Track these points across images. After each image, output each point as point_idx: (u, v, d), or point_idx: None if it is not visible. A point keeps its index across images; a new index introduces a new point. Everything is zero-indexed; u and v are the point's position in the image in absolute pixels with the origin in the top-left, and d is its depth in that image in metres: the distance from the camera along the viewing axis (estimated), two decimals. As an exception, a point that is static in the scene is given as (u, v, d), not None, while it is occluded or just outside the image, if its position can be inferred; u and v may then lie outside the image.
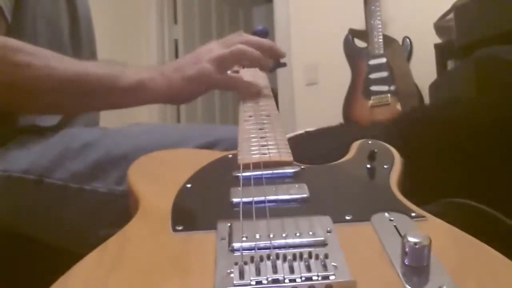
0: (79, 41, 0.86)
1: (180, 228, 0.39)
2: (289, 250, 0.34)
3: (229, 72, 0.99)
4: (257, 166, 0.49)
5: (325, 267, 0.32)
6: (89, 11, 0.92)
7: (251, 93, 0.71)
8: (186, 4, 3.32)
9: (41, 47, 0.76)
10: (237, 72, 0.93)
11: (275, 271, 0.31)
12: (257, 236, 0.35)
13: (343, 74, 2.27)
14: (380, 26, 2.18)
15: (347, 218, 0.39)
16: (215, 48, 0.69)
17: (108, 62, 0.69)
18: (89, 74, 0.64)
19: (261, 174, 0.47)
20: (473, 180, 0.64)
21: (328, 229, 0.37)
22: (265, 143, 0.55)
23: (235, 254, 0.34)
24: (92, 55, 0.92)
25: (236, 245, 0.35)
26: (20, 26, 0.73)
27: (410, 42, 2.18)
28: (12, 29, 0.70)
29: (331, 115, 2.24)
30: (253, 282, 0.31)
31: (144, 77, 0.65)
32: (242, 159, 0.51)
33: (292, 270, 0.31)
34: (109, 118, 0.74)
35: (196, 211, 0.44)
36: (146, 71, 0.66)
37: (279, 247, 0.34)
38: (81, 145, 0.64)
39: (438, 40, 1.86)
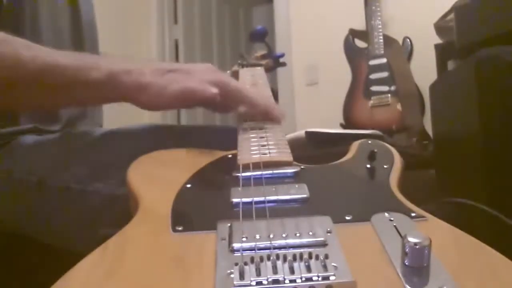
0: (81, 42, 0.86)
1: (180, 228, 0.39)
2: (289, 251, 0.34)
3: (228, 71, 0.99)
4: (257, 166, 0.49)
5: (325, 267, 0.32)
6: (93, 11, 0.92)
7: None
8: (186, 4, 3.32)
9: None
10: (236, 72, 0.93)
11: (275, 271, 0.31)
12: (257, 236, 0.35)
13: (343, 74, 2.27)
14: (380, 26, 2.18)
15: (347, 218, 0.39)
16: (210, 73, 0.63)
17: (82, 54, 0.64)
18: (59, 65, 0.59)
19: (261, 174, 0.47)
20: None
21: (328, 229, 0.37)
22: (265, 143, 0.55)
23: (235, 254, 0.34)
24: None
25: (236, 245, 0.35)
26: (20, 23, 0.73)
27: (411, 42, 2.18)
28: (12, 26, 0.70)
29: (331, 115, 2.24)
30: (254, 283, 0.30)
31: (117, 69, 0.59)
32: (242, 159, 0.51)
33: (292, 271, 0.31)
34: (111, 119, 0.75)
35: (196, 212, 0.44)
36: (124, 63, 0.60)
37: (279, 248, 0.34)
38: (83, 146, 0.64)
39: (438, 41, 1.85)
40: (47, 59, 0.59)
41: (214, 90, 0.59)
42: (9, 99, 0.63)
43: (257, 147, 0.54)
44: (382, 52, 2.15)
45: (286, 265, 0.32)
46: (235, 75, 0.91)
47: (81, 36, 0.85)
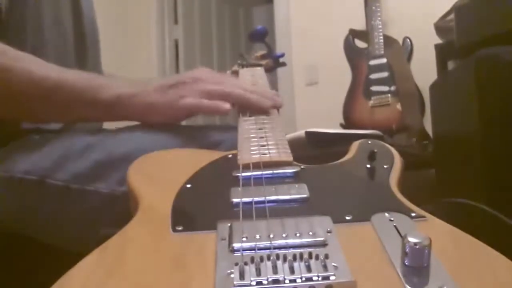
0: (82, 39, 0.86)
1: (180, 228, 0.39)
2: (289, 251, 0.34)
3: (228, 72, 0.99)
4: (257, 166, 0.49)
5: (325, 267, 0.32)
6: (94, 12, 0.92)
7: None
8: (186, 4, 3.32)
9: (47, 45, 0.76)
10: (236, 72, 0.93)
11: (275, 271, 0.31)
12: (257, 236, 0.35)
13: (343, 74, 2.27)
14: (380, 26, 2.18)
15: (347, 218, 0.39)
16: (207, 80, 0.66)
17: (91, 74, 0.68)
18: (68, 84, 0.63)
19: (261, 174, 0.47)
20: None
21: (328, 229, 0.37)
22: (265, 143, 0.55)
23: (235, 254, 0.34)
24: (96, 56, 0.92)
25: (236, 245, 0.35)
26: (22, 19, 0.73)
27: (411, 42, 2.18)
28: (13, 23, 0.70)
29: (331, 115, 2.24)
30: (254, 283, 0.30)
31: (125, 92, 0.63)
32: (242, 159, 0.51)
33: (292, 271, 0.31)
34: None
35: (196, 211, 0.44)
36: (130, 87, 0.64)
37: (279, 248, 0.34)
38: (83, 146, 0.64)
39: (438, 41, 1.86)
40: (57, 77, 0.62)
41: (227, 106, 0.63)
42: (17, 112, 0.66)
43: (257, 147, 0.54)
44: (382, 52, 2.15)
45: (286, 265, 0.32)
46: (235, 75, 0.91)
47: (83, 33, 0.85)
